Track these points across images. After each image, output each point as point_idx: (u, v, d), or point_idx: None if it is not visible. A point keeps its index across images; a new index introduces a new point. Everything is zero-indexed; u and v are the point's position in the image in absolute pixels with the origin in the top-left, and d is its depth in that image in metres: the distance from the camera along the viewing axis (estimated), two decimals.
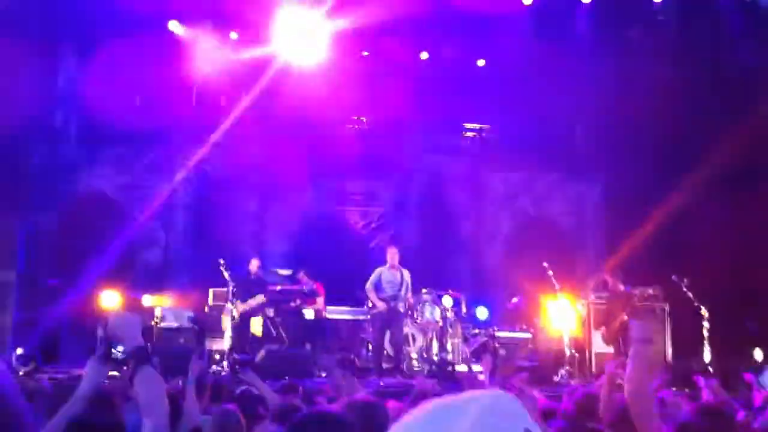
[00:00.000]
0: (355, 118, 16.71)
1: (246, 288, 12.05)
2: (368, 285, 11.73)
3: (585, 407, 5.12)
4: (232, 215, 15.75)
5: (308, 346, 12.17)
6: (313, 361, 11.28)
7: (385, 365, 11.59)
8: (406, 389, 7.32)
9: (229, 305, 11.83)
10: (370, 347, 12.49)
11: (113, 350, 2.69)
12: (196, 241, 15.70)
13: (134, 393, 2.47)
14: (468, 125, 16.97)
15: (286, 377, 8.76)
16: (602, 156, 16.27)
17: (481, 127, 16.87)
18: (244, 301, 11.93)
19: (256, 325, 12.04)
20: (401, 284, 11.65)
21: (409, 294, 11.88)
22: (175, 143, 15.69)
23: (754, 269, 13.85)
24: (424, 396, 5.04)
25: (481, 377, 7.34)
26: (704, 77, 15.08)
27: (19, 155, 14.17)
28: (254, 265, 12.42)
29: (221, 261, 11.97)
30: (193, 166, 15.70)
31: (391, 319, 11.62)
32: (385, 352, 11.71)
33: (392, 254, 11.86)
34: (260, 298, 12.21)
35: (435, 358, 12.00)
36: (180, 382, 7.89)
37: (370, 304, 11.99)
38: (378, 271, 11.82)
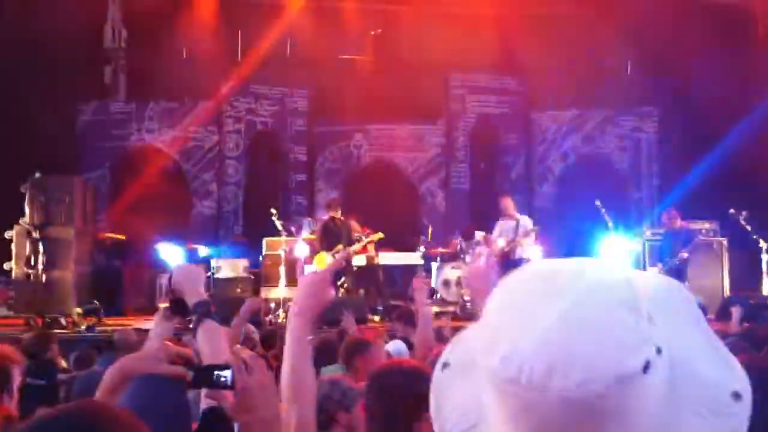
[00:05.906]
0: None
1: (335, 234, 11.81)
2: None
3: None
4: (281, 164, 15.79)
5: (362, 292, 12.17)
6: (367, 306, 11.32)
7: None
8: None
9: (322, 253, 11.45)
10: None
11: (178, 304, 2.70)
12: (248, 191, 15.80)
13: (197, 346, 2.48)
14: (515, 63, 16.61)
15: (341, 323, 8.78)
16: (656, 90, 15.85)
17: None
18: (348, 244, 11.56)
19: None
20: (516, 231, 11.70)
21: (526, 238, 11.72)
22: (222, 95, 15.73)
23: None
24: None
25: None
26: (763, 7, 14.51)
27: (68, 113, 14.38)
28: (337, 211, 12.01)
29: (273, 210, 11.98)
30: (242, 117, 15.75)
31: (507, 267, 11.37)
32: None
33: (506, 203, 12.00)
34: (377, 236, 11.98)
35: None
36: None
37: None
38: (498, 223, 11.97)
